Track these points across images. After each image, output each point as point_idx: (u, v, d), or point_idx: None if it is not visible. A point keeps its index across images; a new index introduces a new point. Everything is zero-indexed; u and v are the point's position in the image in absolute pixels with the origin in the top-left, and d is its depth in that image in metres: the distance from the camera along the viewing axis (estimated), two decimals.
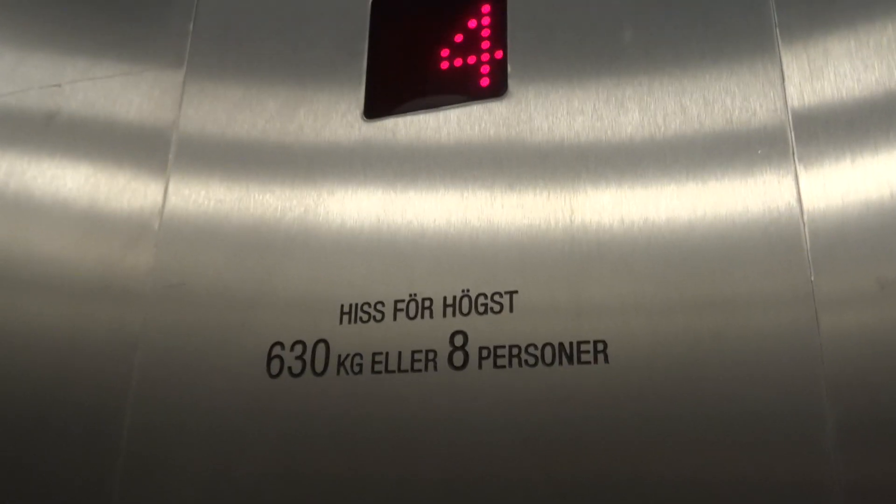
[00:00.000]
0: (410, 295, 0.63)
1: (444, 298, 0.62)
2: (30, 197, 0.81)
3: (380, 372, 0.62)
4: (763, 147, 0.58)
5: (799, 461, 0.51)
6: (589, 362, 0.56)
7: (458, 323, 0.61)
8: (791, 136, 0.57)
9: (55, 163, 0.82)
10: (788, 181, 0.56)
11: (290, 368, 0.65)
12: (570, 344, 0.57)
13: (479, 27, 0.71)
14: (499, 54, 0.70)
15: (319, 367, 0.64)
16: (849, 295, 0.53)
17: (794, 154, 0.57)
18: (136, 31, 0.84)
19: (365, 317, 0.64)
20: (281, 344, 0.66)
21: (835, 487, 0.50)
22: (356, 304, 0.65)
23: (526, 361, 0.58)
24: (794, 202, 0.56)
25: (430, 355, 0.61)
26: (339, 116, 0.73)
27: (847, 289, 0.53)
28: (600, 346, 0.57)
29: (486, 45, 0.71)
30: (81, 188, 0.79)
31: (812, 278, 0.54)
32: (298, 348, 0.65)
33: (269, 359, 0.66)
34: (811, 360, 0.52)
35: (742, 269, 0.55)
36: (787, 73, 0.59)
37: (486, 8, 0.72)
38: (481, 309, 0.61)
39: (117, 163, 0.79)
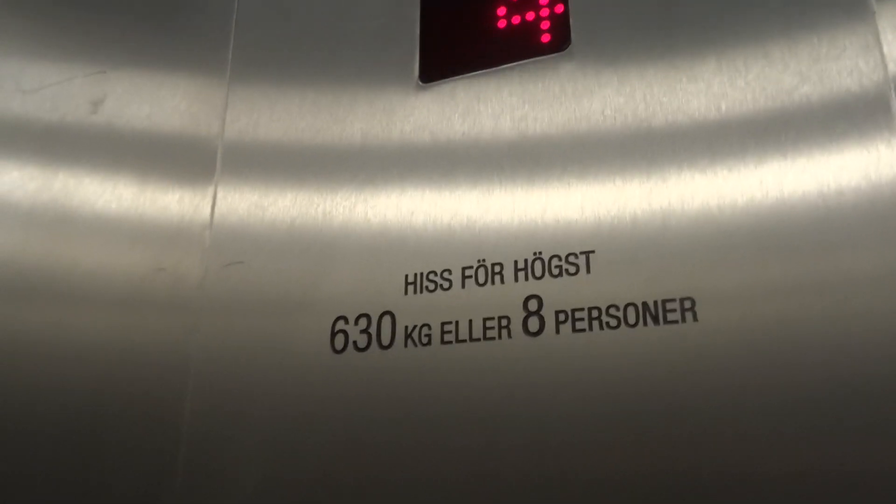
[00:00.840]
0: (479, 261, 0.60)
1: (515, 262, 0.59)
2: (74, 208, 0.80)
3: (450, 342, 0.59)
4: (866, 115, 0.53)
5: None
6: (676, 321, 0.53)
7: (532, 287, 0.58)
8: (894, 101, 0.53)
9: (99, 174, 0.80)
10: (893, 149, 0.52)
11: (355, 343, 0.62)
12: (655, 303, 0.54)
13: None
14: (559, 8, 0.67)
15: (386, 339, 0.61)
16: None
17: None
18: (176, 39, 0.83)
19: (431, 286, 0.61)
20: (345, 318, 0.63)
21: None
22: (421, 273, 0.62)
23: (607, 324, 0.55)
24: None
25: (504, 322, 0.58)
26: (393, 83, 0.70)
27: None
28: (688, 304, 0.53)
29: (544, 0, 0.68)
30: (129, 199, 0.78)
31: None
32: (363, 321, 0.62)
33: (333, 334, 0.63)
34: None
35: (844, 243, 0.51)
36: (883, 37, 0.54)
37: None
38: (555, 271, 0.57)
39: (164, 172, 0.77)
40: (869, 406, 0.48)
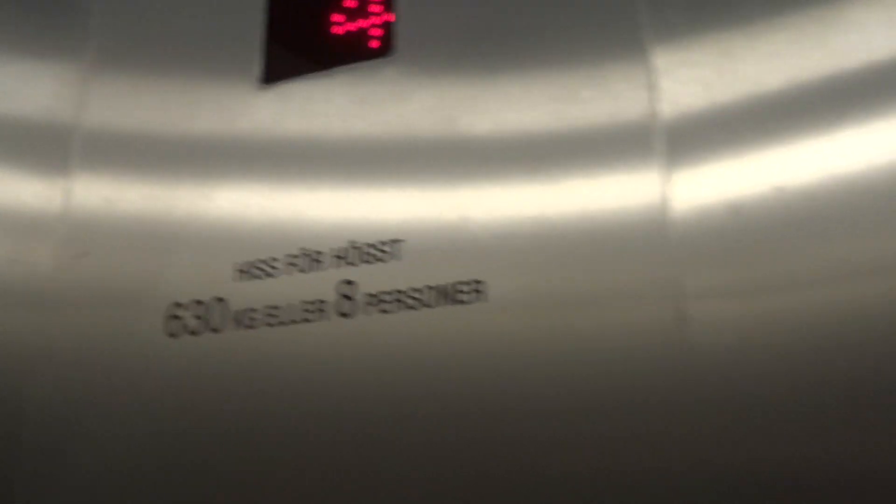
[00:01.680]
0: (301, 249, 0.65)
1: (333, 251, 0.64)
2: None
3: (273, 325, 0.64)
4: (631, 145, 0.59)
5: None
6: (467, 302, 0.58)
7: (347, 273, 0.63)
8: (659, 134, 0.59)
9: None
10: (653, 178, 0.58)
11: (188, 327, 0.66)
12: (450, 285, 0.60)
13: None
14: (390, 17, 0.72)
15: (217, 324, 0.65)
16: (714, 292, 0.55)
17: (663, 152, 0.59)
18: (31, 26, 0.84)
19: (259, 273, 0.66)
20: (180, 304, 0.67)
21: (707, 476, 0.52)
22: (251, 262, 0.66)
23: (409, 305, 0.60)
24: (660, 199, 0.57)
25: (321, 305, 0.63)
26: (237, 82, 0.74)
27: (712, 286, 0.55)
28: (478, 286, 0.59)
29: (376, 9, 0.73)
30: None
31: (676, 275, 0.56)
32: (196, 307, 0.66)
33: (168, 319, 0.67)
34: (675, 355, 0.54)
35: (607, 263, 0.57)
36: (656, 72, 0.61)
37: None
38: (368, 258, 0.63)
39: (18, 162, 0.79)
40: (635, 386, 0.54)
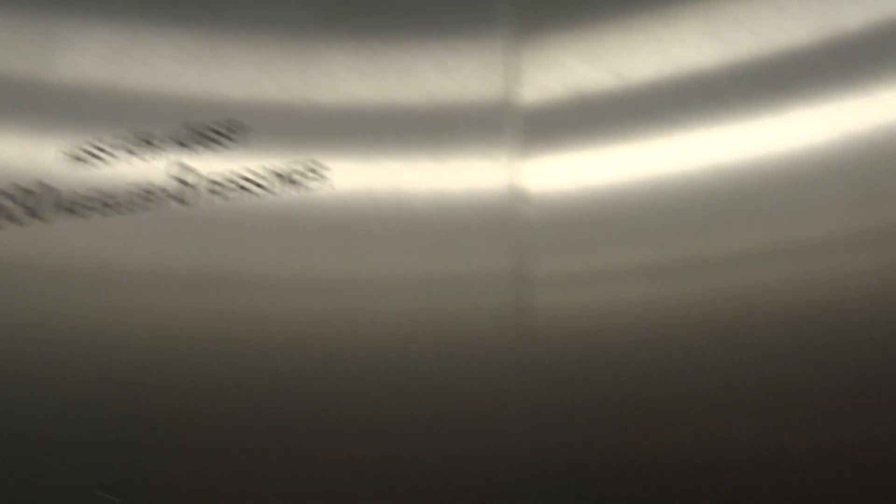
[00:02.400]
0: (135, 132, 0.61)
1: (169, 133, 0.60)
2: None
3: (109, 214, 0.60)
4: (482, 127, 0.57)
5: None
6: (306, 186, 0.57)
7: (185, 159, 0.59)
8: (513, 117, 0.57)
9: None
10: (504, 162, 0.56)
11: (13, 216, 0.62)
12: (292, 170, 0.57)
13: None
14: None
15: (44, 212, 0.61)
16: (560, 280, 0.55)
17: (516, 136, 0.57)
18: None
19: (90, 157, 0.61)
20: (3, 192, 0.62)
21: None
22: (81, 146, 0.61)
23: (249, 190, 0.57)
24: (510, 184, 0.56)
25: (155, 191, 0.59)
26: None
27: (558, 274, 0.55)
28: (318, 170, 0.57)
29: None
30: None
31: (522, 262, 0.55)
32: (21, 194, 0.62)
33: None
34: (515, 342, 0.54)
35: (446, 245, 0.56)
36: (513, 53, 0.58)
37: None
38: (206, 143, 0.59)
39: None
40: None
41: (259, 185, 0.57)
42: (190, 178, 0.59)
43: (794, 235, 0.53)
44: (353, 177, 0.56)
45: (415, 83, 0.59)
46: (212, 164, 0.58)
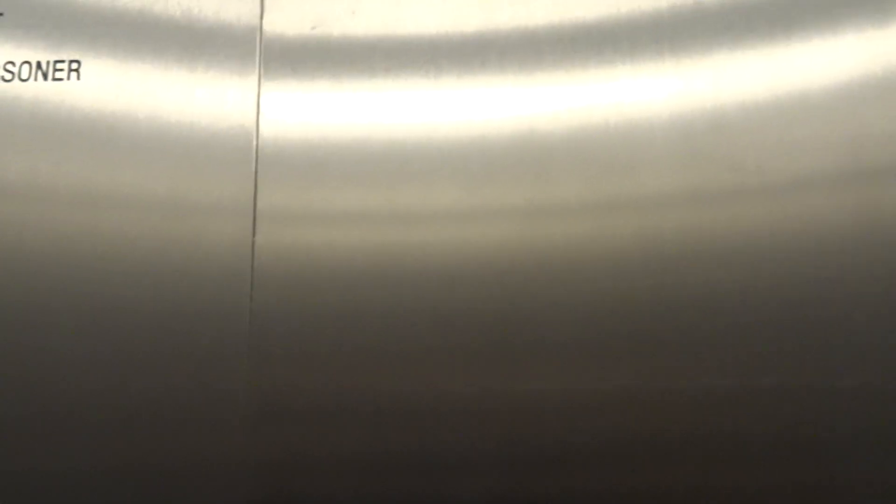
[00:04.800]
0: None
1: None
2: None
3: None
4: (230, 52, 0.59)
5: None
6: (62, 79, 0.60)
7: None
8: (259, 48, 0.59)
9: None
10: (246, 89, 0.58)
11: None
12: (44, 62, 0.60)
13: None
14: None
15: None
16: (285, 215, 0.56)
17: (257, 64, 0.59)
18: None
19: None
20: None
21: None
22: None
23: (2, 77, 0.60)
24: (252, 114, 0.57)
25: None
26: None
27: (284, 208, 0.56)
28: (74, 65, 0.60)
29: None
30: None
31: (251, 191, 0.56)
32: None
33: None
34: (237, 275, 0.55)
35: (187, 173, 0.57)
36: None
37: None
38: None
39: None
40: None
41: (10, 73, 0.60)
42: None
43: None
44: (104, 75, 0.59)
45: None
46: None
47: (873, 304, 0.54)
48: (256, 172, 0.56)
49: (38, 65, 0.60)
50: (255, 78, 0.59)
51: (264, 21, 0.60)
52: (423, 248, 0.56)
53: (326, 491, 0.55)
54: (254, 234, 0.55)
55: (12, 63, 0.60)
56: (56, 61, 0.60)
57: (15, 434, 0.55)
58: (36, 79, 0.60)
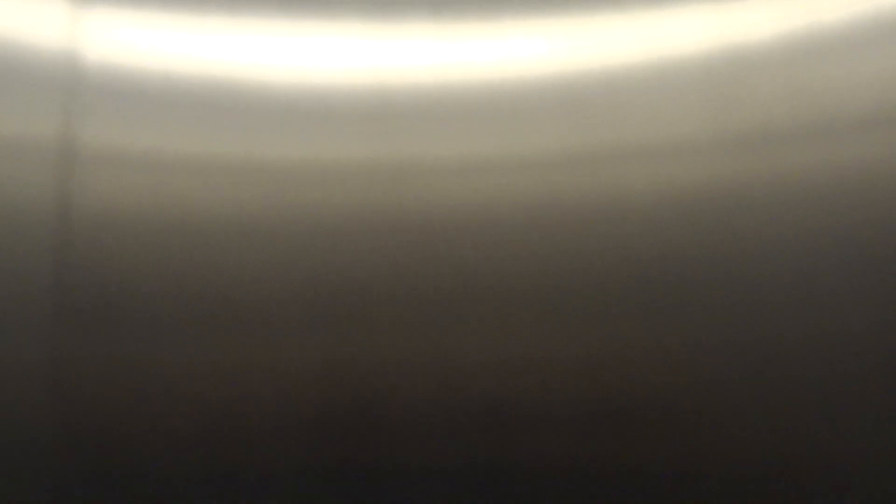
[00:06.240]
0: None
1: None
2: None
3: None
4: None
5: None
6: None
7: None
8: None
9: None
10: (67, 9, 0.49)
11: None
12: None
13: None
14: None
15: None
16: (110, 156, 0.48)
17: None
18: None
19: None
20: None
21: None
22: None
23: None
24: (67, 35, 0.49)
25: None
26: None
27: (109, 149, 0.48)
28: None
29: None
30: None
31: (67, 128, 0.48)
32: None
33: None
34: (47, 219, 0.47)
35: None
36: None
37: None
38: None
39: None
40: None
41: None
42: None
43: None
44: None
45: None
46: None
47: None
48: (69, 104, 0.48)
49: None
50: None
51: None
52: (281, 205, 0.48)
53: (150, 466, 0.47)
54: (63, 175, 0.48)
55: None
56: None
57: None
58: None
